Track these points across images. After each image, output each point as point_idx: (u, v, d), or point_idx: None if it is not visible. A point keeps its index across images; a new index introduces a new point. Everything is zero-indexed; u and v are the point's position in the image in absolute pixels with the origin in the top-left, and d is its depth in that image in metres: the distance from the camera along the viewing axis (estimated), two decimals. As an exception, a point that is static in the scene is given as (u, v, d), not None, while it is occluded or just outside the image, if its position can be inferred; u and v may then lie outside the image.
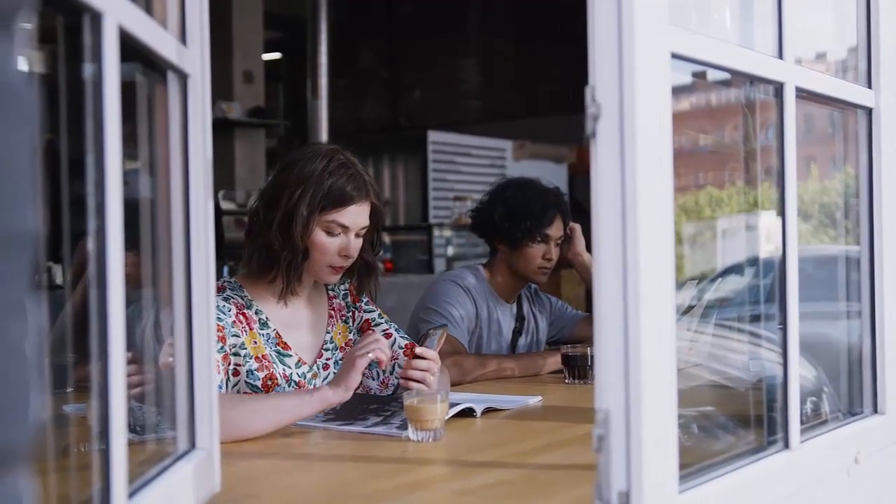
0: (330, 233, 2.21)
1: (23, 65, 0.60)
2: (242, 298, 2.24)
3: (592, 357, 2.67)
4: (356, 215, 2.23)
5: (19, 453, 0.56)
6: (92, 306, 1.00)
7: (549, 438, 1.98)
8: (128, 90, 1.07)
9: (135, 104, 1.29)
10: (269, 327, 2.25)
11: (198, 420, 1.38)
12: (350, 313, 2.43)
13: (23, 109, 0.57)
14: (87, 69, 1.00)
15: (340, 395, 1.98)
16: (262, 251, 2.22)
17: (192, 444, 1.37)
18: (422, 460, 1.79)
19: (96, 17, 0.99)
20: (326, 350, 2.36)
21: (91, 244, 1.00)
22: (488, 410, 2.21)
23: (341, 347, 2.38)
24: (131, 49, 1.11)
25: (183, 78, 1.35)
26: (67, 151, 1.01)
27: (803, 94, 1.57)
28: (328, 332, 2.37)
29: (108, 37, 1.00)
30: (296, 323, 2.32)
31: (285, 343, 2.26)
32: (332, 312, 2.40)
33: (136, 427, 1.35)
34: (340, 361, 2.34)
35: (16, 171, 0.55)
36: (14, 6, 0.58)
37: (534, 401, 2.37)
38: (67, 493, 1.13)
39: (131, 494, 1.08)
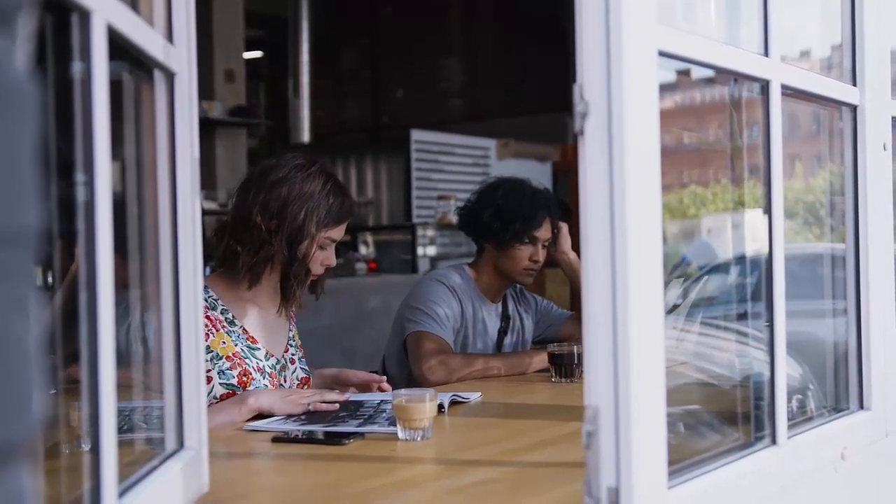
0: (322, 247, 2.31)
1: (24, 63, 0.59)
2: (206, 300, 2.25)
3: (579, 355, 2.69)
4: (344, 229, 2.36)
5: (23, 450, 0.56)
6: (81, 307, 1.00)
7: (537, 437, 1.99)
8: (113, 89, 1.07)
9: (121, 103, 1.29)
10: (236, 325, 2.30)
11: (186, 420, 1.37)
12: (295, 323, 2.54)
13: (25, 107, 0.57)
14: (76, 67, 1.00)
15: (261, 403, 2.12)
16: (264, 263, 2.27)
17: (181, 444, 1.37)
18: (410, 459, 1.79)
19: (85, 16, 0.98)
20: (291, 346, 2.45)
21: (80, 245, 0.99)
22: (454, 403, 2.25)
23: (299, 346, 2.49)
24: (118, 47, 1.10)
25: (170, 77, 1.35)
26: (54, 151, 1.00)
27: (789, 92, 1.58)
28: (291, 330, 2.47)
29: (96, 35, 1.00)
30: (262, 321, 2.38)
31: (253, 337, 2.32)
32: (291, 314, 2.49)
33: (122, 427, 1.34)
34: (303, 359, 2.47)
35: (19, 168, 0.55)
36: (16, 5, 0.58)
37: (474, 397, 2.38)
38: (55, 493, 1.13)
39: (121, 494, 1.07)
